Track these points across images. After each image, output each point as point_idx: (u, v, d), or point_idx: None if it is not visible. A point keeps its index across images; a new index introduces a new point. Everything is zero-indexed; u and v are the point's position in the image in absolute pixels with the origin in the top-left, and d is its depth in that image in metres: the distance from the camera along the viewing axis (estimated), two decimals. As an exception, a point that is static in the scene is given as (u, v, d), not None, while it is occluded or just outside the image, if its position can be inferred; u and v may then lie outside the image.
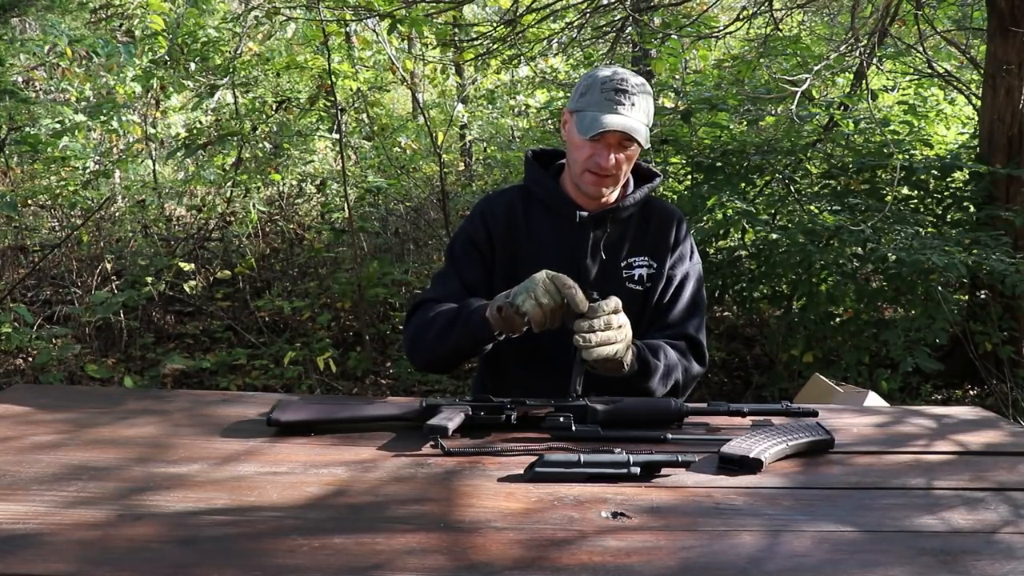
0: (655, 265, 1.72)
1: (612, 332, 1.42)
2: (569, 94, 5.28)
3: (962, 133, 4.94)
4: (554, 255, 1.69)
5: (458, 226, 1.82)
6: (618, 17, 5.11)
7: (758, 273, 4.06)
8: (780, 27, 4.60)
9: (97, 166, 5.72)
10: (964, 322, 3.76)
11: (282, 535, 0.98)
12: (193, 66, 5.15)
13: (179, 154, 5.32)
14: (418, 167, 6.11)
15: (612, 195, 1.71)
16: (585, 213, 1.69)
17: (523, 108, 6.88)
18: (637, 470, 1.17)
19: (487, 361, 1.81)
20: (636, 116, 1.59)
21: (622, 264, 1.72)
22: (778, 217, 4.05)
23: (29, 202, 5.53)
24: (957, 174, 4.09)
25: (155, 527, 1.00)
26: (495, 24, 5.07)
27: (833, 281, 3.84)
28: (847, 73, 4.98)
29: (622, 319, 1.45)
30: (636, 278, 1.71)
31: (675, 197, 4.22)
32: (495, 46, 4.88)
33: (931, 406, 1.87)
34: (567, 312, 1.43)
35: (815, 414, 1.43)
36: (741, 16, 4.60)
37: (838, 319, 3.97)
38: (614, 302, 1.45)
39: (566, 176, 1.74)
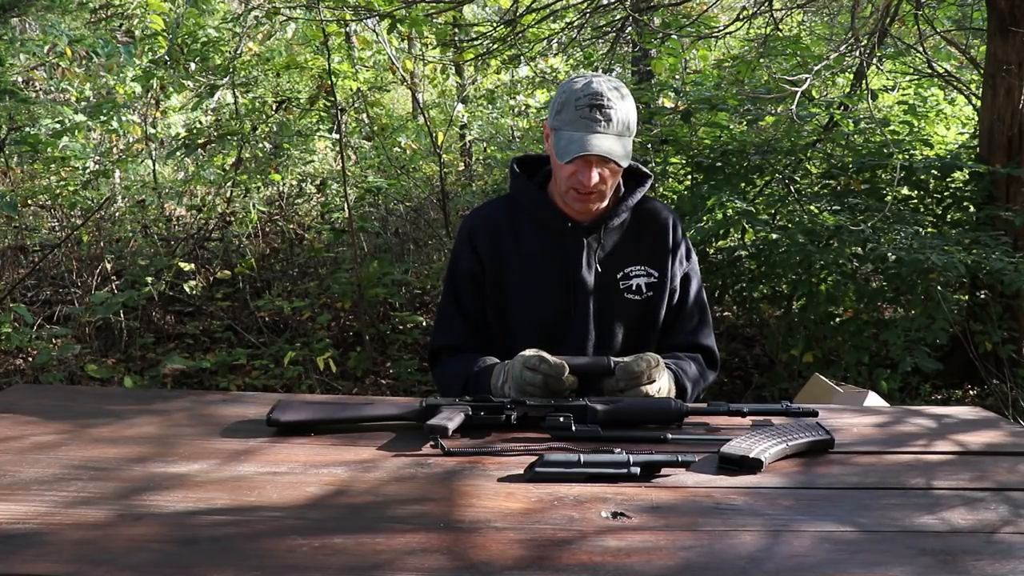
0: (655, 274, 1.67)
1: (648, 386, 1.45)
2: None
3: (962, 133, 4.94)
4: (545, 270, 1.64)
5: (451, 249, 1.78)
6: (618, 17, 5.11)
7: (758, 273, 4.05)
8: (780, 27, 4.60)
9: (97, 166, 5.73)
10: (964, 322, 3.76)
11: (282, 535, 0.98)
12: (193, 66, 5.15)
13: (179, 154, 5.32)
14: (418, 167, 6.11)
15: (602, 204, 1.64)
16: (573, 223, 1.63)
17: (523, 108, 6.87)
18: (637, 470, 1.17)
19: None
20: (614, 131, 1.51)
21: (619, 276, 1.66)
22: (778, 217, 4.05)
23: (29, 202, 5.53)
24: (957, 174, 4.09)
25: (155, 527, 1.00)
26: (495, 24, 5.07)
27: (833, 281, 3.83)
28: (847, 73, 4.98)
29: (657, 378, 1.46)
30: (634, 288, 1.66)
31: (675, 197, 4.22)
32: (495, 46, 4.88)
33: (931, 406, 1.86)
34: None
35: (815, 414, 1.43)
36: (741, 16, 4.60)
37: (838, 319, 3.96)
38: (644, 363, 1.44)
39: (553, 185, 1.66)
